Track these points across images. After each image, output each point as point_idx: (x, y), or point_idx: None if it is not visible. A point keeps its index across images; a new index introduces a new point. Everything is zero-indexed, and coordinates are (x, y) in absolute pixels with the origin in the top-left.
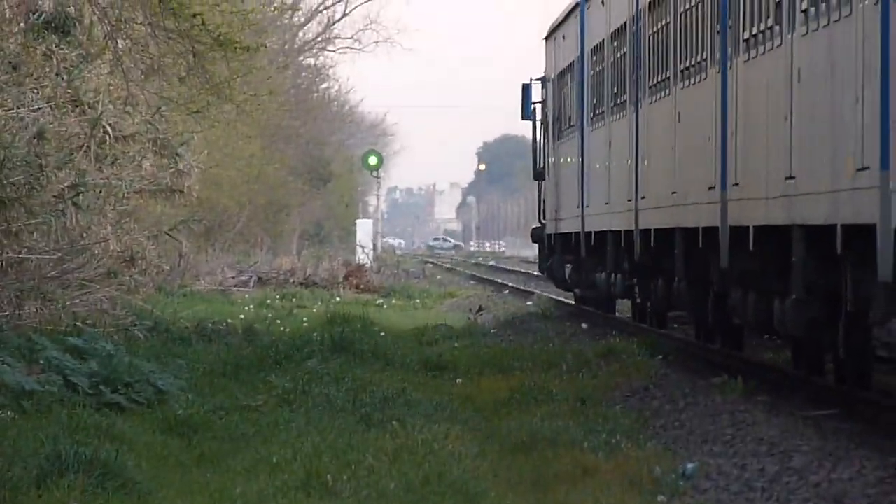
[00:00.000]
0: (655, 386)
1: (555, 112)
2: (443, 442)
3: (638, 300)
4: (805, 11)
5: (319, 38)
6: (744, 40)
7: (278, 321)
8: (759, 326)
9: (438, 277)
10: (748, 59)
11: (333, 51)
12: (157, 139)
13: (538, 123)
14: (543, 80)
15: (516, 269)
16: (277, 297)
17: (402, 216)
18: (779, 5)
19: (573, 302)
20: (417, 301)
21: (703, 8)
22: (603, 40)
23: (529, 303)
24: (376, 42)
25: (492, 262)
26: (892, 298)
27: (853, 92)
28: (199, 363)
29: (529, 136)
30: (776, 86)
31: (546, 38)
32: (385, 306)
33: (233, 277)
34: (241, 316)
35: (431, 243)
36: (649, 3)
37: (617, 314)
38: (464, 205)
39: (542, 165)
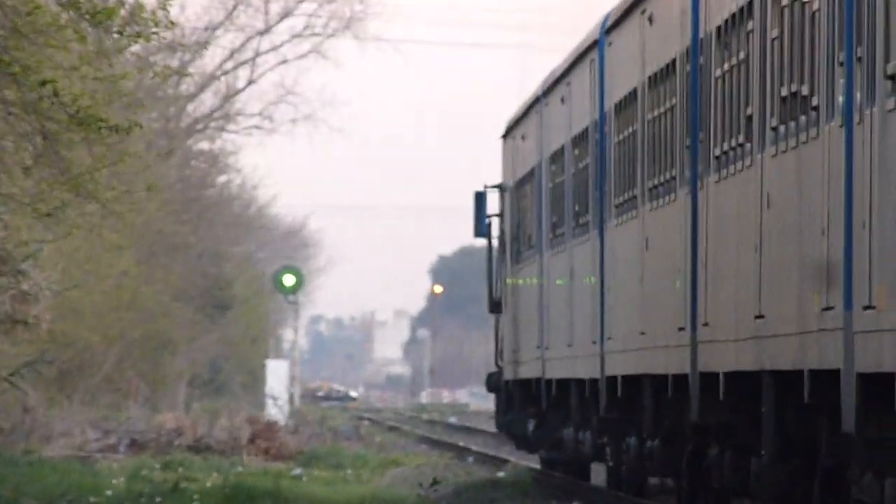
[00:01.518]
0: None
1: (513, 230)
2: None
3: (610, 463)
4: (775, 129)
5: (216, 114)
6: (715, 157)
7: (158, 499)
8: (738, 489)
9: (378, 439)
10: (719, 180)
11: (235, 131)
12: None
13: (495, 241)
14: (501, 188)
15: (483, 427)
16: (157, 466)
17: (329, 355)
18: (750, 119)
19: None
20: (349, 471)
21: (673, 116)
22: (563, 146)
23: (501, 473)
24: (293, 120)
25: (451, 419)
26: (863, 452)
27: (819, 222)
28: None
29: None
30: (746, 212)
31: (503, 137)
32: (305, 478)
33: (97, 440)
34: (108, 492)
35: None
36: (615, 104)
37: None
38: (413, 341)
39: (499, 295)
